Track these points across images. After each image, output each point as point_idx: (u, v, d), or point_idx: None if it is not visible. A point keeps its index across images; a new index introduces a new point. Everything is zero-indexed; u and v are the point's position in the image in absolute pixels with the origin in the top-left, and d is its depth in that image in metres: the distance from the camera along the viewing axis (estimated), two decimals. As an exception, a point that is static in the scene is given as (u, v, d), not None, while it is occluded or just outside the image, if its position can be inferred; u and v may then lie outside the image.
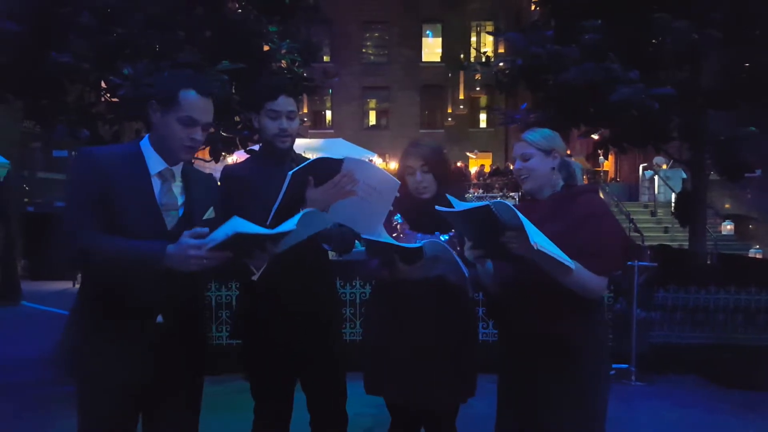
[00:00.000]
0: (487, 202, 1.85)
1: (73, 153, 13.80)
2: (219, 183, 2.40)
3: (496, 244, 1.93)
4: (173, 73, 2.04)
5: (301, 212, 1.91)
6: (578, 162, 2.40)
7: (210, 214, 2.03)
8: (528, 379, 2.19)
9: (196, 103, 1.91)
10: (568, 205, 2.19)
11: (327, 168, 2.15)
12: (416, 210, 2.48)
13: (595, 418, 2.18)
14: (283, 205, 2.12)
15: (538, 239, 1.83)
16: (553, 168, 2.26)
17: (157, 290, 1.81)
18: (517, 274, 2.09)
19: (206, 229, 1.75)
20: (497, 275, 2.18)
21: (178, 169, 2.03)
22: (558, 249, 1.91)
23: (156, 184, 1.96)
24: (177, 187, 2.02)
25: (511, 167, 3.57)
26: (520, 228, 1.82)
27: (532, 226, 1.86)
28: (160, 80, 1.95)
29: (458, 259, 2.17)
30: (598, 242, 2.09)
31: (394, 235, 2.47)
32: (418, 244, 2.19)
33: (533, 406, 2.17)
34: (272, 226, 2.05)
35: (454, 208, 2.00)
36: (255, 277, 1.92)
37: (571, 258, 1.95)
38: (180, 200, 2.00)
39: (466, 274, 2.19)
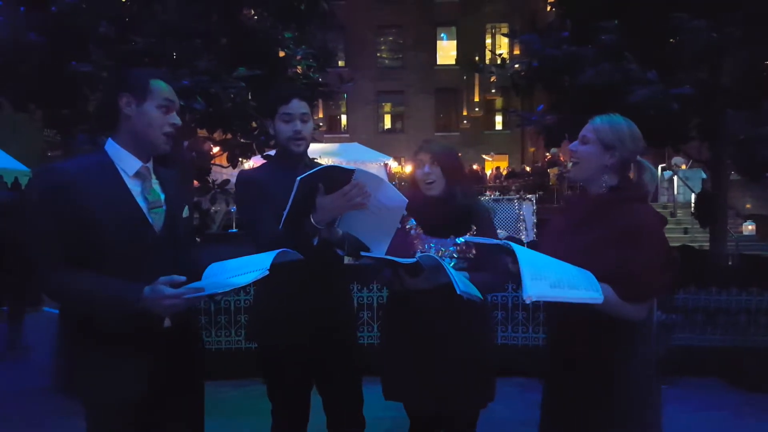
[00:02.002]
0: (499, 241, 1.86)
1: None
2: (235, 187, 2.43)
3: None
4: (136, 69, 2.08)
5: (274, 252, 1.88)
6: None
7: (186, 212, 2.04)
8: (573, 392, 2.06)
9: (166, 88, 1.96)
10: (610, 212, 1.98)
11: (337, 177, 2.15)
12: (428, 212, 2.48)
13: None
14: (293, 211, 2.13)
15: (537, 288, 1.66)
16: (607, 166, 2.03)
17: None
18: None
19: (183, 278, 1.73)
20: None
21: (150, 165, 2.01)
22: (585, 281, 1.74)
23: (135, 185, 1.93)
24: (155, 183, 2.00)
25: (527, 169, 3.53)
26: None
27: (538, 267, 1.71)
28: (127, 76, 1.98)
29: (451, 271, 2.05)
30: (631, 264, 1.86)
31: (409, 239, 2.47)
32: (413, 260, 2.16)
33: (578, 419, 2.05)
34: (283, 230, 2.10)
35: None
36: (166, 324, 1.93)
37: (600, 276, 1.78)
38: (162, 197, 1.98)
39: (459, 288, 2.01)
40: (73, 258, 1.80)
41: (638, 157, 2.08)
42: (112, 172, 1.90)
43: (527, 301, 1.66)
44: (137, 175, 1.94)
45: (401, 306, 2.50)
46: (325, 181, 2.15)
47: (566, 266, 1.78)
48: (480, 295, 2.10)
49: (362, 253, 2.25)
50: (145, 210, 1.91)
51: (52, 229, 1.81)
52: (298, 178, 2.08)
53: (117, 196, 1.87)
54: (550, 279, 1.70)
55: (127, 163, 1.93)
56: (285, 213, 2.14)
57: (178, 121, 1.97)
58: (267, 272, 1.78)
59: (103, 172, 1.89)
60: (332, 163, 2.24)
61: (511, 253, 1.76)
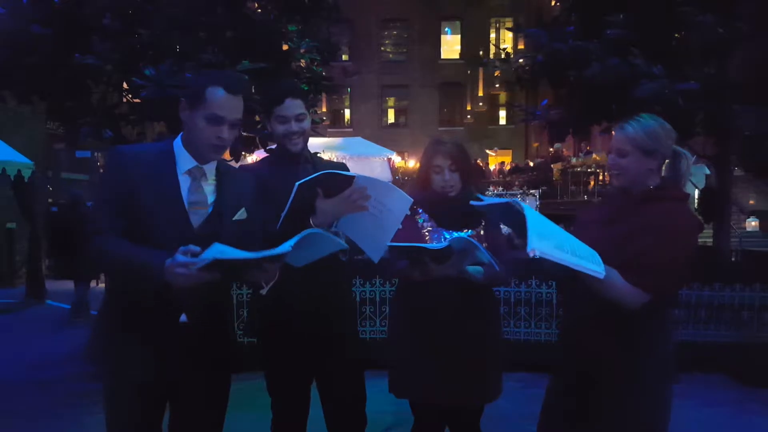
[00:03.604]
0: (508, 199, 1.82)
1: (96, 154, 14.01)
2: None
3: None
4: (203, 72, 2.05)
5: (301, 234, 1.86)
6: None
7: (242, 214, 2.03)
8: (592, 389, 2.03)
9: (222, 101, 1.91)
10: (647, 208, 1.96)
11: (337, 183, 2.14)
12: (442, 207, 2.48)
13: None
14: (290, 214, 2.14)
15: (542, 245, 1.65)
16: (651, 170, 2.01)
17: (179, 290, 1.81)
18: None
19: (198, 248, 1.72)
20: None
21: (210, 168, 2.03)
22: (590, 255, 1.75)
23: (185, 181, 1.97)
24: (209, 185, 2.02)
25: (531, 164, 3.50)
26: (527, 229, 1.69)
27: (545, 227, 1.72)
28: (190, 80, 1.97)
29: (485, 252, 2.15)
30: (651, 254, 1.86)
31: (423, 232, 2.47)
32: (445, 244, 2.18)
33: (590, 413, 2.03)
34: (281, 231, 2.09)
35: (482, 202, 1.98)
36: (264, 291, 1.92)
37: (618, 264, 1.79)
38: (210, 199, 2.00)
39: (496, 267, 2.17)
40: (118, 230, 1.87)
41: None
42: (169, 164, 1.97)
43: (530, 255, 1.63)
44: (188, 172, 1.98)
45: (408, 300, 2.50)
46: (325, 186, 2.14)
47: (573, 238, 1.80)
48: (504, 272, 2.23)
49: (388, 243, 2.24)
50: (186, 205, 1.95)
51: (105, 198, 1.92)
52: (297, 183, 2.08)
53: (164, 186, 1.93)
54: (555, 241, 1.70)
55: (182, 160, 1.98)
56: (283, 215, 2.15)
57: (226, 135, 1.94)
58: (290, 249, 1.78)
59: (161, 162, 1.96)
60: (333, 169, 2.22)
61: (520, 216, 1.74)
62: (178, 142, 2.00)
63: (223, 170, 2.07)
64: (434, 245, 2.22)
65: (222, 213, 1.99)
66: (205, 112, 1.90)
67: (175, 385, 1.98)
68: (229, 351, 2.16)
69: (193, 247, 1.73)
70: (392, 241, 2.28)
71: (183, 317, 1.93)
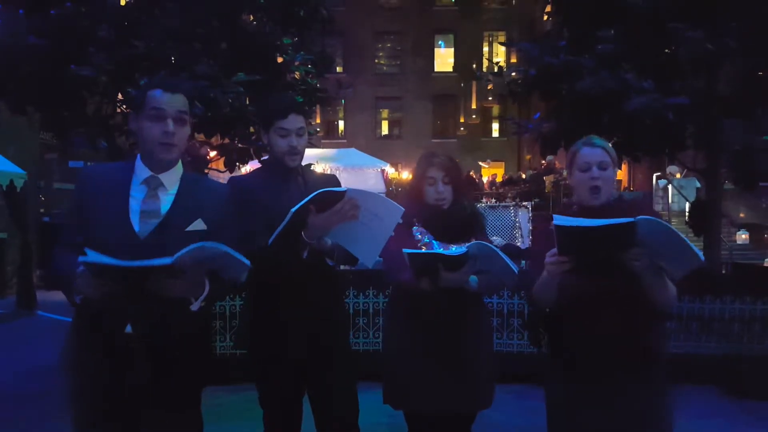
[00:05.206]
0: (632, 219, 1.79)
1: (89, 164, 13.96)
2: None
3: (606, 259, 1.89)
4: (145, 84, 2.13)
5: (190, 247, 1.76)
6: None
7: (198, 225, 2.00)
8: (602, 387, 2.08)
9: (160, 97, 1.98)
10: (631, 215, 2.02)
11: (329, 199, 2.17)
12: (436, 220, 2.51)
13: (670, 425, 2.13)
14: (283, 233, 2.16)
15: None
16: (616, 179, 2.25)
17: (121, 302, 1.84)
18: (597, 288, 1.99)
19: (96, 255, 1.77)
20: (563, 288, 2.06)
21: (171, 178, 2.04)
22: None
23: (141, 191, 2.00)
24: (169, 195, 2.02)
25: (523, 176, 3.54)
26: (668, 240, 1.78)
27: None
28: (135, 94, 2.05)
29: (506, 258, 2.18)
30: None
31: (420, 245, 2.48)
32: (463, 250, 2.21)
33: (606, 415, 2.07)
34: (273, 248, 2.14)
35: (570, 223, 1.87)
36: (193, 307, 1.90)
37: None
38: (165, 209, 2.00)
39: (515, 271, 2.21)
40: (75, 244, 1.93)
41: None
42: (126, 176, 2.02)
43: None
44: (145, 182, 2.01)
45: (403, 310, 2.52)
46: (317, 203, 2.16)
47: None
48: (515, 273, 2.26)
49: (405, 251, 2.23)
50: (134, 215, 1.96)
51: (67, 214, 2.05)
52: (292, 210, 2.10)
53: (113, 197, 1.98)
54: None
55: (140, 172, 2.03)
56: (274, 235, 2.16)
57: (171, 129, 1.97)
58: (171, 261, 1.74)
59: (118, 176, 2.03)
60: (323, 182, 2.27)
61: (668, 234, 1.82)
62: (138, 157, 2.06)
63: (186, 180, 2.08)
64: (452, 251, 2.24)
65: (170, 223, 1.98)
66: (147, 112, 1.97)
67: (138, 393, 1.94)
68: (198, 362, 2.10)
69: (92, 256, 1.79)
70: (391, 251, 2.30)
71: (128, 328, 1.90)
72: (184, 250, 1.74)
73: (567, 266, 1.92)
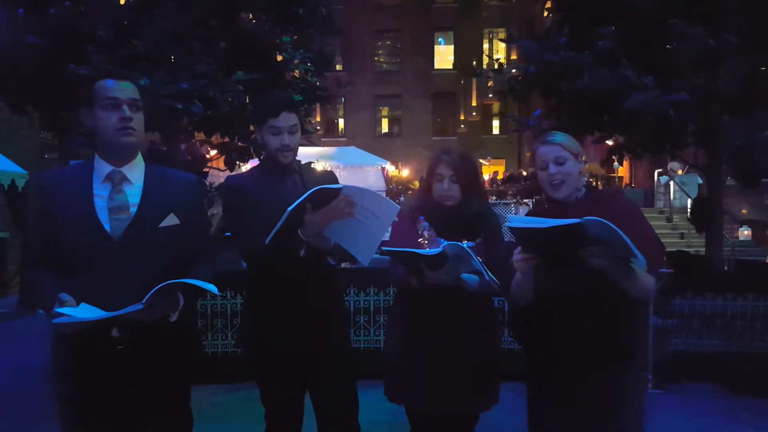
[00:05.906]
0: (578, 220, 1.79)
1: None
2: (221, 193, 2.43)
3: (566, 257, 1.90)
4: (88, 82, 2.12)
5: (158, 287, 1.75)
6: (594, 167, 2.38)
7: (171, 220, 1.98)
8: (578, 384, 2.12)
9: (110, 86, 1.95)
10: (602, 209, 2.05)
11: (325, 196, 2.17)
12: (440, 216, 2.50)
13: (641, 419, 2.19)
14: (280, 232, 2.16)
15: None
16: (581, 171, 2.24)
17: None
18: (569, 283, 2.02)
19: (69, 297, 1.77)
20: (539, 284, 2.09)
21: (135, 171, 2.00)
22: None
23: (104, 189, 1.94)
24: (134, 189, 1.98)
25: (524, 173, 3.54)
26: (615, 240, 1.79)
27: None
28: (81, 92, 2.02)
29: (479, 262, 2.18)
30: (645, 240, 2.01)
31: (420, 240, 2.48)
32: (438, 249, 2.20)
33: (582, 411, 2.11)
34: (270, 246, 2.15)
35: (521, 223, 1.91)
36: (172, 319, 1.91)
37: None
38: (133, 202, 1.96)
39: (487, 277, 2.21)
40: (45, 257, 1.91)
41: None
42: (86, 175, 1.96)
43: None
44: (107, 178, 1.96)
45: (407, 308, 2.52)
46: (314, 201, 2.16)
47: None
48: (498, 283, 2.24)
49: (384, 248, 2.28)
50: (102, 214, 1.91)
51: (32, 231, 1.97)
52: (289, 209, 2.10)
53: (76, 201, 1.91)
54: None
55: (100, 168, 1.97)
56: (272, 234, 2.16)
57: (128, 115, 1.94)
58: (142, 306, 1.74)
59: (77, 177, 1.97)
60: (320, 180, 2.27)
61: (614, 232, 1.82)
62: (96, 155, 2.01)
63: (151, 173, 2.04)
64: (428, 251, 2.25)
65: (143, 218, 1.94)
66: (100, 102, 1.94)
67: (126, 395, 1.94)
68: (186, 359, 2.11)
69: (63, 296, 1.78)
70: (391, 245, 2.30)
71: (114, 331, 1.89)
72: (150, 293, 1.73)
73: (534, 261, 1.97)
